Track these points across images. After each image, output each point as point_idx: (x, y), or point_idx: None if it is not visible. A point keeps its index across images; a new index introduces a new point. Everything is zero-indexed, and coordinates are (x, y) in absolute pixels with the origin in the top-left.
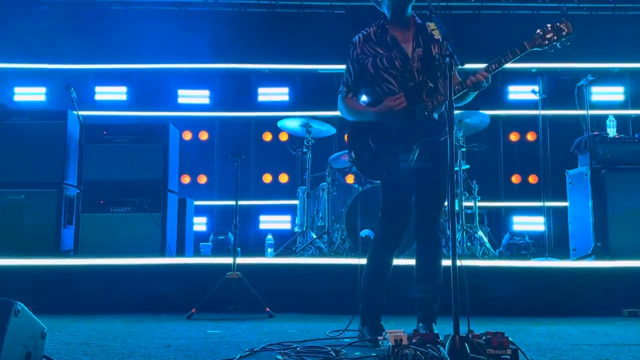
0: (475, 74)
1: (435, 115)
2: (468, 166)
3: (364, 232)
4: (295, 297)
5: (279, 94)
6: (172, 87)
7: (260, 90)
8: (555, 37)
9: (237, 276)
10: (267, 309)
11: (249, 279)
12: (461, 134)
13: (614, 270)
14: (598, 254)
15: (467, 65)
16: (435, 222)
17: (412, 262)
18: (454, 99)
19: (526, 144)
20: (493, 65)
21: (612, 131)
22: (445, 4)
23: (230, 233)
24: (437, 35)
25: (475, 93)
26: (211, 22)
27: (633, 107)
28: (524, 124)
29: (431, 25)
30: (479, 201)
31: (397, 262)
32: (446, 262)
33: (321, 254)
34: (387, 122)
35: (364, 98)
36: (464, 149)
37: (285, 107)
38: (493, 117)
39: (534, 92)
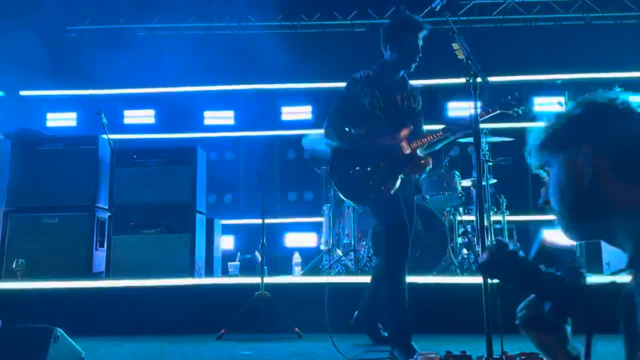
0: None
1: (419, 152)
2: (495, 180)
3: None
4: (324, 316)
5: (303, 112)
6: (198, 108)
7: (284, 109)
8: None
9: (266, 296)
10: (296, 329)
11: (277, 298)
12: (487, 149)
13: None
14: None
15: (492, 78)
16: None
17: (435, 279)
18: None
19: None
20: (436, 135)
21: None
22: (466, 17)
23: (256, 252)
24: (460, 55)
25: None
26: (235, 44)
27: None
28: None
29: (455, 46)
30: (507, 215)
31: (418, 279)
32: (478, 280)
33: (348, 272)
34: (383, 156)
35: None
36: (490, 164)
37: (309, 125)
38: (520, 130)
39: (560, 104)
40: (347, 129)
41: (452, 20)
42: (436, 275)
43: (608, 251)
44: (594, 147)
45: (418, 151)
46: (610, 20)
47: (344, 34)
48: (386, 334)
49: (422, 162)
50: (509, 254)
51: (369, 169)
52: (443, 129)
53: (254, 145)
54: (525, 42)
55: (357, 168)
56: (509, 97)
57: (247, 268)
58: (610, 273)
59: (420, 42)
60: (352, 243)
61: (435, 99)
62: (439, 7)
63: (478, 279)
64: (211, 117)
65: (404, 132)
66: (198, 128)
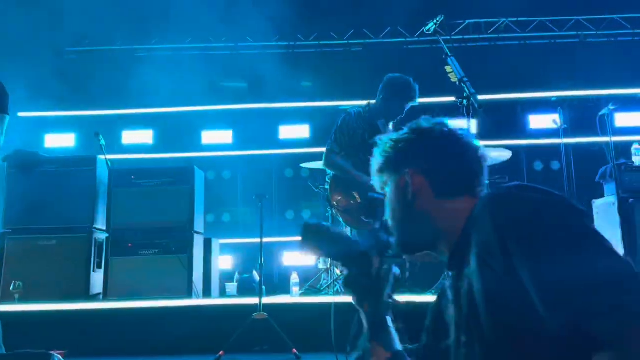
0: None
1: None
2: None
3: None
4: (322, 336)
5: (300, 131)
6: (196, 128)
7: (282, 128)
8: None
9: (264, 317)
10: (294, 350)
11: (276, 319)
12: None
13: None
14: None
15: (487, 97)
16: None
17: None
18: None
19: (551, 172)
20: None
21: (638, 159)
22: (460, 37)
23: (254, 271)
24: (453, 78)
25: None
26: (232, 64)
27: None
28: (546, 153)
29: (447, 69)
30: None
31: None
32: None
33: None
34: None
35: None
36: (486, 182)
37: (306, 143)
38: (515, 147)
39: (554, 122)
40: (341, 159)
41: (444, 40)
42: (432, 294)
43: None
44: (415, 168)
45: None
46: (604, 38)
47: (340, 54)
48: None
49: None
50: (317, 225)
51: (367, 198)
52: None
53: (252, 164)
54: (520, 60)
55: (357, 196)
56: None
57: (246, 288)
58: None
59: (408, 107)
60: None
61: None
62: (432, 30)
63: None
64: (209, 136)
65: None
66: (196, 148)
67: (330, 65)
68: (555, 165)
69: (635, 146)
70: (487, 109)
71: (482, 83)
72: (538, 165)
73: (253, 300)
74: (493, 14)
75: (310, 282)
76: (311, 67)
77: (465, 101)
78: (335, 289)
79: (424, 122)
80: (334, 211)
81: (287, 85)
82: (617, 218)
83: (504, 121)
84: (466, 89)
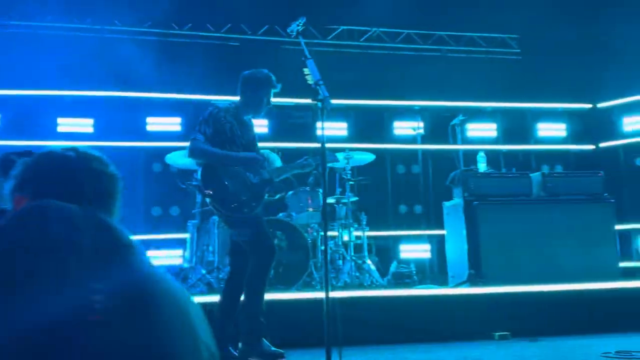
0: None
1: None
2: (357, 198)
3: None
4: None
5: (171, 124)
6: (51, 115)
7: (150, 119)
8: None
9: None
10: None
11: None
12: (349, 168)
13: (486, 296)
14: (472, 281)
15: (347, 101)
16: None
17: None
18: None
19: (411, 175)
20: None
21: (482, 166)
22: (335, 42)
23: None
24: (310, 80)
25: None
26: (98, 49)
27: (504, 143)
28: (408, 157)
29: (305, 71)
30: (367, 231)
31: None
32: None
33: (211, 290)
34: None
35: None
36: (352, 182)
37: (177, 137)
38: (380, 151)
39: (413, 128)
40: (209, 146)
41: (316, 43)
42: (296, 292)
43: (452, 265)
44: (22, 188)
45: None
46: (463, 54)
47: (216, 47)
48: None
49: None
50: None
51: (240, 185)
52: (299, 162)
53: (115, 157)
54: (388, 69)
55: (228, 183)
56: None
57: None
58: (453, 285)
59: (271, 96)
60: (216, 260)
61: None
62: (295, 32)
63: (321, 294)
64: (66, 124)
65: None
66: (50, 135)
67: (206, 58)
68: (415, 168)
69: (480, 154)
70: (357, 114)
71: (353, 88)
72: (401, 168)
73: None
74: (366, 22)
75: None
76: (185, 58)
77: (319, 104)
78: (199, 289)
79: (50, 149)
80: (207, 200)
81: (158, 75)
82: (463, 218)
83: (372, 126)
84: (320, 92)
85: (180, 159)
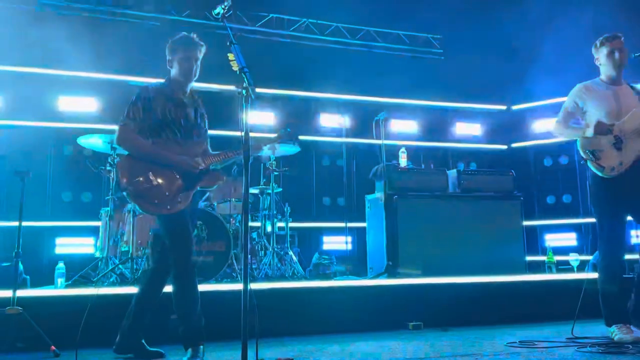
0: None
1: (211, 167)
2: (281, 189)
3: None
4: (88, 332)
5: (85, 104)
6: None
7: (63, 98)
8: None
9: (18, 311)
10: (53, 347)
11: (36, 313)
12: (273, 158)
13: (401, 287)
14: (390, 272)
15: (282, 91)
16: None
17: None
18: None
19: (336, 168)
20: (230, 154)
21: (403, 161)
22: (264, 29)
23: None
24: (234, 66)
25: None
26: (11, 21)
27: (424, 140)
28: (334, 150)
29: (230, 56)
30: (290, 222)
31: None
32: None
33: (124, 282)
34: (179, 169)
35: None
36: (276, 173)
37: (92, 118)
38: (306, 143)
39: (340, 122)
40: (140, 137)
41: (244, 29)
42: (215, 283)
43: (372, 257)
44: None
45: (211, 166)
46: (389, 51)
47: (138, 26)
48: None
49: (215, 176)
50: None
51: (165, 180)
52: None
53: (23, 137)
54: (317, 61)
55: (152, 178)
56: (286, 131)
57: (5, 279)
58: (371, 277)
59: (196, 61)
60: (131, 250)
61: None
62: (220, 14)
63: (238, 286)
64: None
65: (198, 147)
66: None
67: (127, 36)
68: (340, 161)
69: (401, 150)
70: (284, 104)
71: (280, 78)
72: (326, 161)
73: (6, 294)
74: (297, 12)
75: (82, 272)
76: (104, 35)
77: (244, 91)
78: (112, 280)
79: None
80: (125, 194)
81: (71, 51)
82: (383, 211)
83: (298, 117)
84: (245, 79)
85: (94, 142)
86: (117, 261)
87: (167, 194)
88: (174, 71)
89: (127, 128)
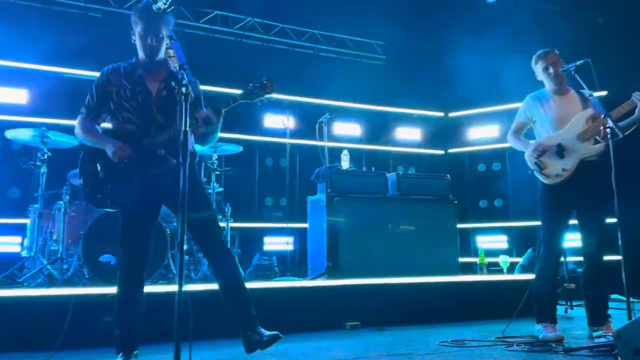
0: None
1: (162, 151)
2: (222, 189)
3: (105, 258)
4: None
5: (14, 95)
6: None
7: None
8: (262, 93)
9: None
10: None
11: None
12: (215, 157)
13: (340, 287)
14: (330, 273)
15: (226, 89)
16: (218, 238)
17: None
18: (205, 133)
19: (279, 168)
20: (220, 109)
21: (345, 163)
22: (208, 26)
23: None
24: (174, 63)
25: (217, 129)
26: None
27: (366, 143)
28: (277, 151)
29: (170, 52)
30: (231, 223)
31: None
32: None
33: (52, 283)
34: (115, 159)
35: (106, 124)
36: (217, 172)
37: (21, 110)
38: (250, 142)
39: (283, 122)
40: (96, 125)
41: (189, 25)
42: (150, 285)
43: (313, 258)
44: None
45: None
46: (333, 54)
47: (76, 16)
48: None
49: (169, 159)
50: None
51: (108, 171)
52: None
53: None
54: (261, 61)
55: (99, 170)
56: (253, 85)
57: None
58: (311, 277)
59: (157, 37)
60: (60, 250)
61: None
62: (161, 10)
63: (172, 288)
64: None
65: (148, 126)
66: None
67: (61, 26)
68: (284, 162)
69: (344, 152)
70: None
71: (222, 75)
72: (269, 161)
73: None
74: (242, 11)
75: (7, 272)
76: (36, 25)
77: (184, 89)
78: (39, 281)
79: None
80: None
81: (1, 40)
82: (324, 213)
83: (242, 117)
84: (185, 77)
85: (24, 136)
86: (45, 261)
87: (109, 186)
88: (138, 47)
89: (80, 117)
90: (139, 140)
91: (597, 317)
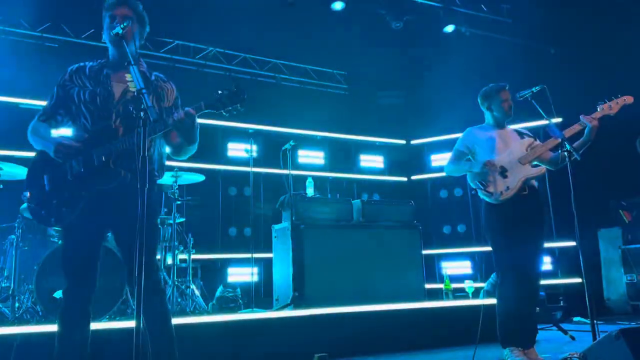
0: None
1: (113, 165)
2: (183, 219)
3: (59, 294)
4: None
5: None
6: None
7: None
8: (229, 104)
9: None
10: None
11: None
12: (176, 187)
13: (307, 317)
14: (296, 303)
15: None
16: (148, 277)
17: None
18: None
19: (243, 197)
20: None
21: (310, 191)
22: (169, 55)
23: None
24: (132, 87)
25: (193, 137)
26: None
27: (330, 170)
28: (241, 179)
29: (128, 77)
30: (193, 254)
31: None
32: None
33: (3, 322)
34: (59, 159)
35: (66, 131)
36: (179, 202)
37: None
38: (212, 171)
39: (246, 150)
40: (49, 127)
41: (150, 55)
42: (108, 321)
43: (278, 288)
44: None
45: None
46: (296, 84)
47: (33, 46)
48: None
49: (122, 173)
50: None
51: (55, 184)
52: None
53: None
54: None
55: (46, 182)
56: (221, 93)
57: None
58: (277, 308)
59: (112, 18)
60: (12, 287)
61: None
62: (117, 38)
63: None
64: None
65: (102, 134)
66: None
67: (18, 56)
68: (247, 191)
69: (309, 180)
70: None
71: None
72: (232, 190)
73: None
74: (204, 41)
75: None
76: None
77: (142, 113)
78: None
79: None
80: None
81: None
82: (290, 241)
83: (205, 146)
84: (144, 101)
85: None
86: None
87: (54, 202)
88: (108, 44)
89: (36, 117)
90: (87, 151)
91: (532, 338)
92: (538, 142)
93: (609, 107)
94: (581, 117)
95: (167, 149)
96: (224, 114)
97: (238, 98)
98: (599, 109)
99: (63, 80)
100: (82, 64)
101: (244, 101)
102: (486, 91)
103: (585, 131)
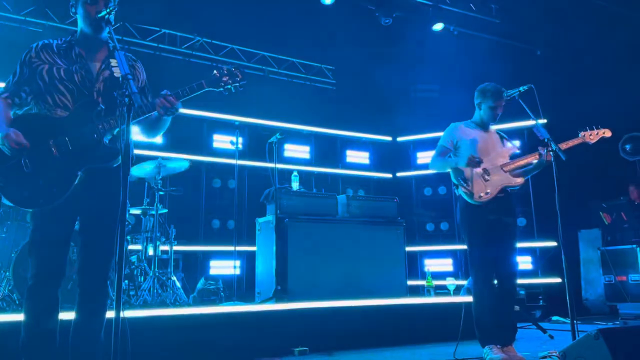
0: (167, 96)
1: (106, 140)
2: (166, 210)
3: None
4: None
5: None
6: None
7: None
8: (230, 81)
9: None
10: None
11: None
12: (159, 177)
13: (288, 312)
14: (278, 297)
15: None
16: (106, 271)
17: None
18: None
19: (227, 190)
20: (180, 92)
21: (295, 185)
22: (155, 44)
23: None
24: (117, 73)
25: (169, 118)
26: None
27: (316, 165)
28: (225, 172)
29: (113, 62)
30: (175, 246)
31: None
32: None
33: None
34: (4, 149)
35: (30, 109)
36: (162, 193)
37: None
38: (197, 163)
39: (232, 142)
40: (11, 105)
41: (136, 43)
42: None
43: (260, 281)
44: None
45: (105, 138)
46: (284, 77)
47: (17, 30)
48: None
49: (115, 152)
50: None
51: (39, 163)
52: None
53: None
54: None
55: (26, 162)
56: (221, 72)
57: None
58: (259, 302)
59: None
60: None
61: None
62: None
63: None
64: None
65: (87, 111)
66: None
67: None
68: (232, 183)
69: (294, 174)
70: (175, 121)
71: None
72: (217, 182)
73: None
74: (191, 30)
75: None
76: None
77: (127, 99)
78: None
79: None
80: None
81: None
82: (273, 235)
83: (190, 136)
84: (129, 88)
85: None
86: None
87: (41, 182)
88: (79, 20)
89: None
90: (73, 129)
91: (511, 335)
92: (518, 150)
93: (589, 136)
94: (539, 149)
95: (136, 128)
96: (225, 93)
97: (237, 78)
98: (580, 135)
99: (28, 57)
100: (46, 41)
101: (243, 79)
102: (483, 88)
103: (538, 162)
